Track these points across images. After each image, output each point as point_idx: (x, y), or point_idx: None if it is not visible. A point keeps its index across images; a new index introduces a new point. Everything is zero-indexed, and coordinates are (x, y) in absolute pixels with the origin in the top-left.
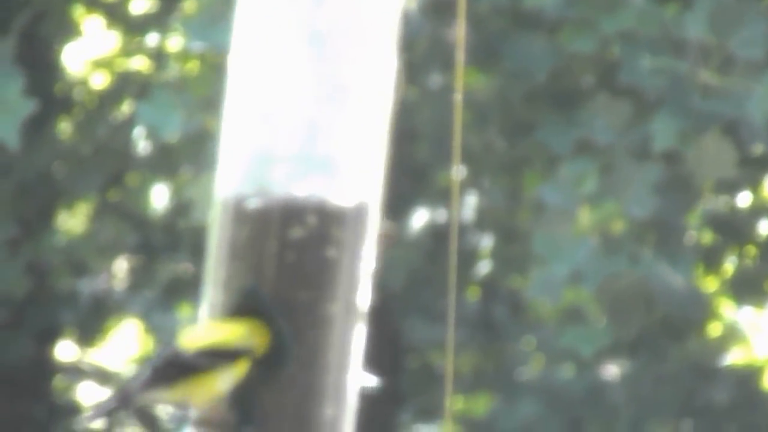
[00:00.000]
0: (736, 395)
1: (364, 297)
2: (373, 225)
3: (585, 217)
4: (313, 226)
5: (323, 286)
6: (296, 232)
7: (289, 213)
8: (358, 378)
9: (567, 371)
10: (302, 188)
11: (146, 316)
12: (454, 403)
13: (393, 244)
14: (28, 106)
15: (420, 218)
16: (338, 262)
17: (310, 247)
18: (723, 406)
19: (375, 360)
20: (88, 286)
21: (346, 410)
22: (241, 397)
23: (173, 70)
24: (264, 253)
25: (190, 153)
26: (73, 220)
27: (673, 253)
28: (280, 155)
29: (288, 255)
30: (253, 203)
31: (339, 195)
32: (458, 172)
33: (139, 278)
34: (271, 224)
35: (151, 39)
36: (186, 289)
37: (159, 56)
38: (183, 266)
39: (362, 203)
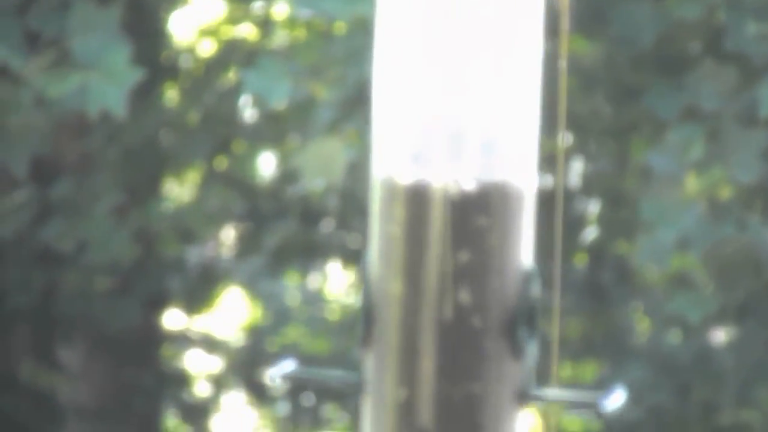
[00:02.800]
0: None
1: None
2: (531, 203)
3: (692, 183)
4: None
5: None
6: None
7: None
8: None
9: (675, 337)
10: (465, 166)
11: (253, 284)
12: (562, 369)
13: None
14: (135, 75)
15: None
16: (504, 249)
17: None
18: None
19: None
20: (195, 254)
21: None
22: None
23: (280, 38)
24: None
25: (297, 121)
26: (180, 188)
27: None
28: (435, 131)
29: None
30: (416, 183)
31: (497, 173)
32: (564, 138)
33: (246, 246)
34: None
35: (258, 6)
36: (293, 256)
37: (266, 23)
38: (290, 234)
39: (521, 181)
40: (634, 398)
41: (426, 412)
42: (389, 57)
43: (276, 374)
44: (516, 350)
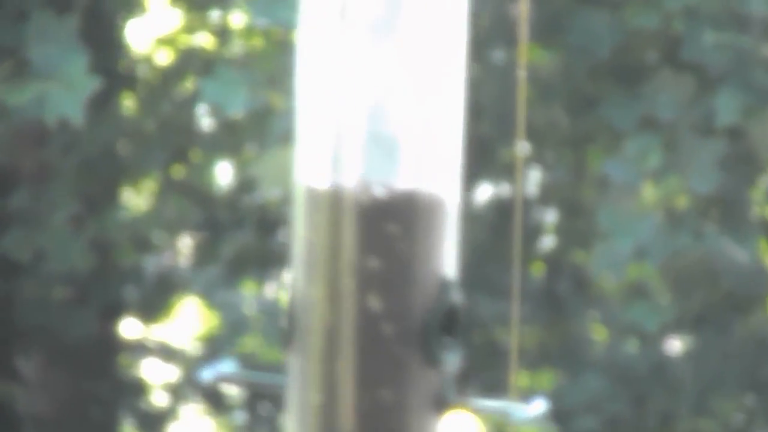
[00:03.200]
0: None
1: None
2: (452, 212)
3: (649, 192)
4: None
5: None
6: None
7: (373, 204)
8: None
9: (631, 347)
10: (377, 173)
11: (210, 293)
12: (519, 379)
13: None
14: (92, 83)
15: (484, 193)
16: (416, 257)
17: (381, 240)
18: None
19: (447, 330)
20: (152, 263)
21: None
22: None
23: (237, 47)
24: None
25: (254, 130)
26: (137, 197)
27: (737, 229)
28: (352, 138)
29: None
30: (336, 191)
31: (411, 181)
32: (522, 147)
33: (203, 255)
34: (348, 213)
35: (215, 15)
36: (250, 265)
37: (223, 33)
38: (247, 243)
39: (440, 189)
40: (591, 408)
41: (343, 418)
42: (309, 65)
43: (208, 375)
44: (430, 358)
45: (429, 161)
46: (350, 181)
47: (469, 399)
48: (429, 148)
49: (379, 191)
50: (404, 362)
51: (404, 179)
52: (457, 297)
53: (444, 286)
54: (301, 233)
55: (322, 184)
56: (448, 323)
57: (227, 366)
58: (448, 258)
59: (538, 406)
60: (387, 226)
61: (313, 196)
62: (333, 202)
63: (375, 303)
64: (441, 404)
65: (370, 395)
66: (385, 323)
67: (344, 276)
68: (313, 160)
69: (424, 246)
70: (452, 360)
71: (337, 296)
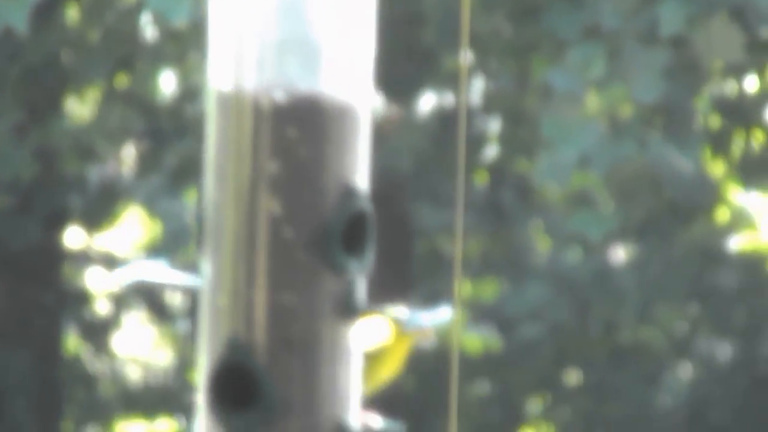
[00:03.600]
0: (743, 279)
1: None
2: (363, 120)
3: (593, 101)
4: (296, 123)
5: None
6: (277, 129)
7: (277, 108)
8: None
9: (575, 255)
10: (282, 77)
11: (153, 203)
12: (463, 287)
13: (396, 127)
14: None
15: (427, 102)
16: (319, 162)
17: (289, 145)
18: (730, 290)
19: (383, 245)
20: (96, 173)
21: None
22: None
23: None
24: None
25: (197, 39)
26: (81, 106)
27: (680, 137)
28: (260, 41)
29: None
30: (239, 94)
31: (318, 86)
32: (466, 56)
33: (146, 164)
34: (260, 119)
35: None
36: (193, 174)
37: None
38: (190, 152)
39: (348, 96)
40: (535, 316)
41: (249, 320)
42: None
43: (123, 278)
44: (332, 264)
45: (339, 67)
46: (251, 84)
47: (376, 306)
48: (339, 54)
49: (279, 95)
50: (306, 267)
51: (310, 84)
52: (363, 204)
53: (349, 192)
54: (211, 137)
55: (227, 87)
56: (354, 231)
57: (140, 267)
58: (356, 165)
59: (444, 313)
60: (287, 129)
61: (219, 100)
62: (236, 105)
63: (276, 207)
64: (347, 311)
65: (274, 299)
66: (286, 227)
67: (246, 180)
68: (221, 63)
69: (328, 152)
70: (357, 267)
71: (241, 200)
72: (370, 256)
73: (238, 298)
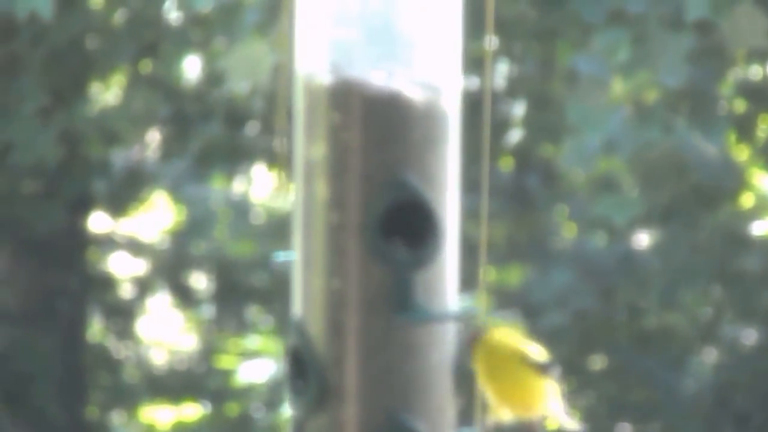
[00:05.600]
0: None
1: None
2: (453, 115)
3: (618, 86)
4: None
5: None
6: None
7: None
8: None
9: (600, 240)
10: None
11: (178, 188)
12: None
13: None
14: None
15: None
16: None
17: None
18: (755, 275)
19: (409, 229)
20: (120, 157)
21: None
22: None
23: None
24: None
25: (223, 23)
26: (105, 91)
27: (705, 122)
28: (354, 34)
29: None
30: (328, 81)
31: (413, 82)
32: (491, 41)
33: (171, 149)
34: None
35: None
36: (218, 159)
37: None
38: (215, 137)
39: (436, 92)
40: (560, 302)
41: (302, 302)
42: None
43: None
44: (373, 252)
45: (426, 59)
46: (356, 72)
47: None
48: (428, 46)
49: (329, 79)
50: (348, 252)
51: (393, 76)
52: (411, 194)
53: (395, 182)
54: (299, 120)
55: (325, 78)
56: (407, 222)
57: None
58: (415, 160)
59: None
60: (333, 115)
61: (314, 90)
62: (337, 94)
63: (321, 190)
64: (398, 302)
65: (320, 282)
66: (332, 212)
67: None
68: (313, 53)
69: (376, 140)
70: (409, 259)
71: (295, 186)
72: (428, 250)
73: (299, 281)
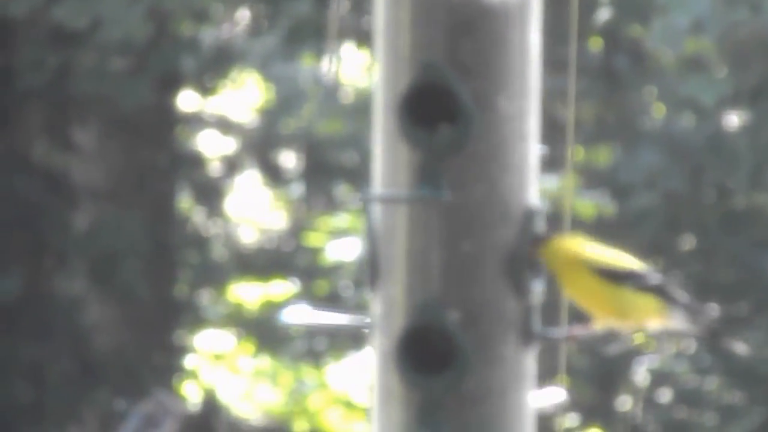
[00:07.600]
0: None
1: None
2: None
3: None
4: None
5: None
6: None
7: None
8: None
9: (688, 120)
10: None
11: (267, 66)
12: (576, 153)
13: None
14: None
15: None
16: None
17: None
18: None
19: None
20: (209, 35)
21: None
22: None
23: None
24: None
25: None
26: None
27: None
28: None
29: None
30: None
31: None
32: None
33: (260, 26)
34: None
35: None
36: (307, 38)
37: None
38: (305, 15)
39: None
40: (647, 183)
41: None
42: None
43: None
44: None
45: None
46: None
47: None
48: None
49: None
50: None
51: None
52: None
53: (529, 215)
54: None
55: None
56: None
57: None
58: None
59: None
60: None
61: None
62: None
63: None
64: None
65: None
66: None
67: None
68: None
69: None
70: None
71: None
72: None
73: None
